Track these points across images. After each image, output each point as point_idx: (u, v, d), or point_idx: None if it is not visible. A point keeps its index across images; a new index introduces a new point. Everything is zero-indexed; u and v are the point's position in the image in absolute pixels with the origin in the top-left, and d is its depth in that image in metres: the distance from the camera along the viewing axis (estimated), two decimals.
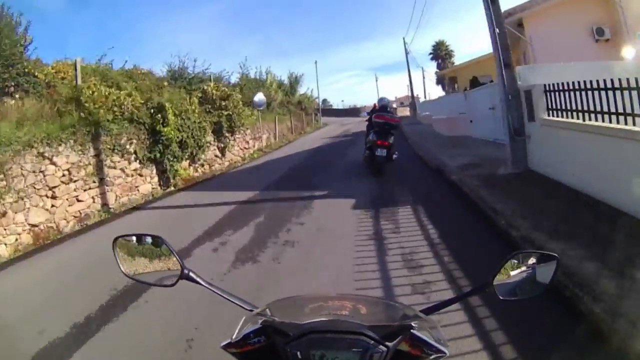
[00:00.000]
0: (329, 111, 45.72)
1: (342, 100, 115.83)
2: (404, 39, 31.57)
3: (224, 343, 0.84)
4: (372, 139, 7.85)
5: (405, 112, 40.73)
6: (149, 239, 1.03)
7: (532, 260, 0.99)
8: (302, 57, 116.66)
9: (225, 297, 0.97)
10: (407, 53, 31.34)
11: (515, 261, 0.98)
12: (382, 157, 7.61)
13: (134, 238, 1.04)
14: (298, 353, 0.75)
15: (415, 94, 34.93)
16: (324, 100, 70.54)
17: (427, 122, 17.80)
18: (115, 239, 1.02)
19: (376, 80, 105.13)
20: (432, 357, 0.80)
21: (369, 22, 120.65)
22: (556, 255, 0.99)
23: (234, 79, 17.23)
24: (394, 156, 7.84)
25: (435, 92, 55.17)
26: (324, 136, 19.43)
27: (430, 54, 41.38)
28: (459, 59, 37.88)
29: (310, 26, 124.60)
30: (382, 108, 8.44)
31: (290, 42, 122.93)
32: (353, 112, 43.81)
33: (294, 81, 26.75)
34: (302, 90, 27.47)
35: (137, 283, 1.04)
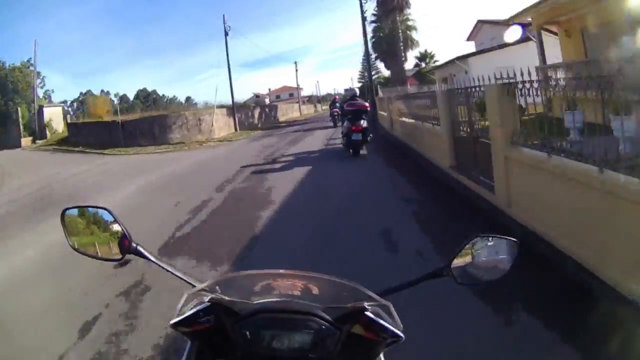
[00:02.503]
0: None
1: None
2: None
3: (172, 322, 0.79)
4: (347, 125, 9.22)
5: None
6: (97, 211, 1.01)
7: (491, 244, 0.99)
8: (176, 54, 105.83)
9: (170, 271, 0.94)
10: None
11: (474, 245, 0.98)
12: (359, 140, 8.93)
13: (83, 210, 1.01)
14: (247, 333, 0.74)
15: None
16: (188, 98, 60.55)
17: None
18: (63, 212, 0.99)
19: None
20: (388, 341, 0.80)
21: (242, 18, 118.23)
22: (516, 240, 0.98)
23: None
24: (369, 138, 9.07)
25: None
26: None
27: None
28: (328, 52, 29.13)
29: (184, 21, 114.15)
30: (352, 97, 10.12)
31: (163, 39, 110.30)
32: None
33: None
34: None
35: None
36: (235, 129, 20.28)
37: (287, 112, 26.10)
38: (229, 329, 0.76)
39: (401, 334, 0.79)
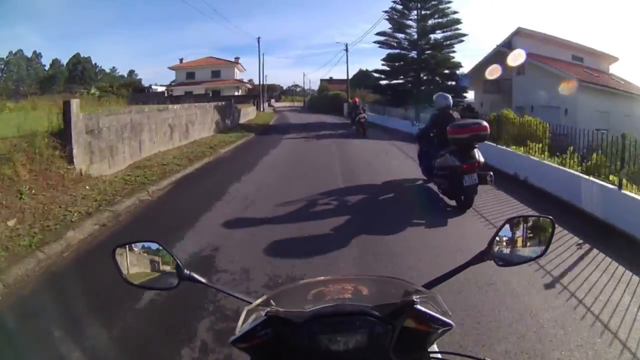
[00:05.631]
0: None
1: None
2: None
3: (232, 338, 0.82)
4: (450, 163, 5.30)
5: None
6: (147, 245, 1.04)
7: (527, 225, 1.04)
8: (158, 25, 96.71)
9: (226, 292, 1.00)
10: None
11: (511, 227, 1.02)
12: (474, 185, 5.19)
13: (132, 245, 1.03)
14: (305, 340, 0.76)
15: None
16: (131, 72, 54.79)
17: None
18: (114, 249, 1.01)
19: None
20: (440, 330, 0.84)
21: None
22: (551, 217, 1.03)
23: None
24: (489, 178, 5.26)
25: None
26: None
27: None
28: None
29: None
30: (445, 110, 5.96)
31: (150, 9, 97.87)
32: None
33: None
34: None
35: None
36: None
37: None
38: (287, 339, 0.77)
39: (451, 322, 0.83)
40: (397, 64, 22.15)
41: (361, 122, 14.93)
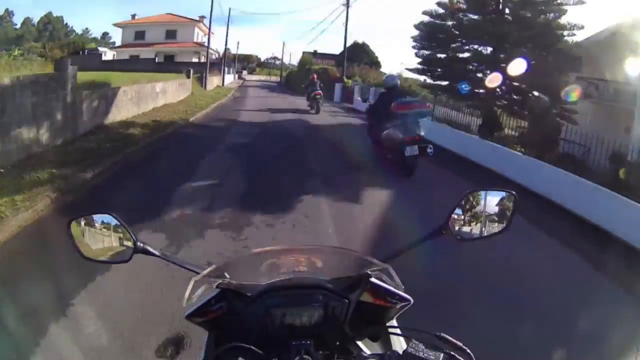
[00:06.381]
0: None
1: None
2: None
3: (187, 313, 0.80)
4: (394, 136, 6.03)
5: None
6: (101, 218, 1.00)
7: (488, 198, 0.96)
8: None
9: (177, 264, 0.96)
10: None
11: (470, 200, 0.95)
12: (415, 156, 5.88)
13: (87, 218, 0.99)
14: (259, 314, 0.75)
15: None
16: (105, 34, 48.93)
17: None
18: (69, 222, 0.97)
19: None
20: (398, 306, 0.81)
21: None
22: (514, 192, 0.96)
23: None
24: (429, 150, 5.90)
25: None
26: None
27: None
28: None
29: None
30: (393, 90, 6.65)
31: None
32: None
33: None
34: None
35: None
36: None
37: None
38: (241, 312, 0.76)
39: (409, 297, 0.81)
40: (460, 20, 10.49)
41: (316, 98, 15.02)
